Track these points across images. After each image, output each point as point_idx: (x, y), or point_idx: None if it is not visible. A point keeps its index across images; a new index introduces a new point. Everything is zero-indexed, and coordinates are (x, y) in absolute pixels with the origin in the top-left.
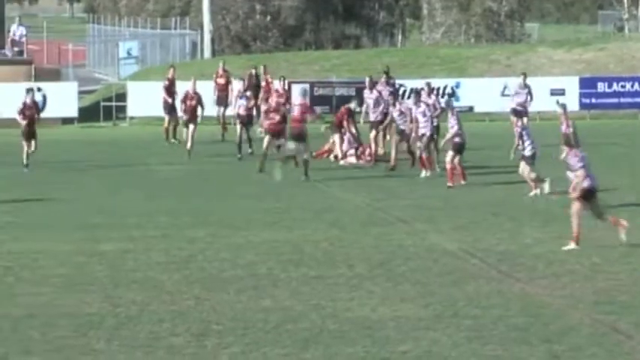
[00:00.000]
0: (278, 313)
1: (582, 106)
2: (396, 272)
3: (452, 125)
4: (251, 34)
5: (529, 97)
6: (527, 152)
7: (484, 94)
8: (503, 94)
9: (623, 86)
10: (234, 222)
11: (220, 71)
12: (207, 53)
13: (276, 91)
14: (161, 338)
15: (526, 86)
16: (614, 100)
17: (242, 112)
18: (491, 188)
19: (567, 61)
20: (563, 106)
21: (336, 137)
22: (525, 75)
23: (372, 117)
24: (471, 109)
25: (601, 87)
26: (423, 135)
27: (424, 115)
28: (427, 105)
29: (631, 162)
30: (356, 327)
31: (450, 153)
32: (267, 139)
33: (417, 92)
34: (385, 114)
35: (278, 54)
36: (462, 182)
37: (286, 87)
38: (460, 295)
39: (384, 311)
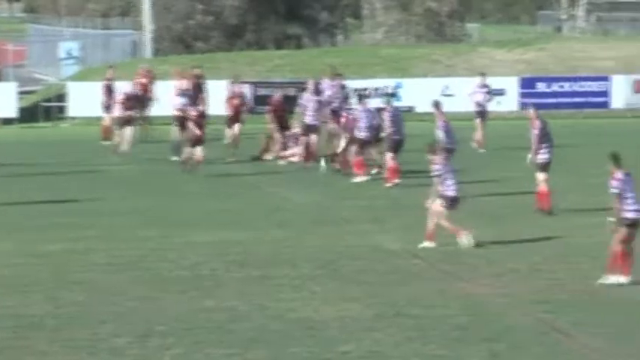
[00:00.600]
0: (221, 313)
1: (522, 106)
2: (340, 272)
3: (387, 125)
4: (193, 34)
5: (487, 97)
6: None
7: (425, 94)
8: (444, 94)
9: (561, 86)
10: (180, 222)
11: (142, 71)
12: (148, 53)
13: (233, 94)
14: (103, 340)
15: (485, 86)
16: (553, 100)
17: (181, 111)
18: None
19: (508, 62)
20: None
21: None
22: (484, 75)
23: (309, 120)
24: (411, 109)
25: (540, 87)
26: (361, 139)
27: (367, 119)
28: (370, 110)
29: (573, 162)
30: (299, 327)
31: (388, 153)
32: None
33: (362, 95)
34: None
35: (220, 54)
36: (396, 181)
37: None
38: (403, 295)
39: (327, 311)
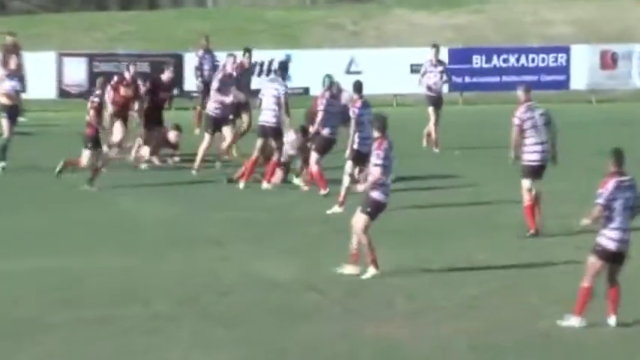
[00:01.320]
0: None
1: (452, 86)
2: (209, 311)
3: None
4: None
5: (443, 78)
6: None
7: (323, 70)
8: (348, 72)
9: (505, 60)
10: None
11: None
12: None
13: (123, 80)
14: None
15: (440, 63)
16: (495, 79)
17: (10, 99)
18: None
19: (432, 28)
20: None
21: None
22: (437, 48)
23: (214, 113)
24: (306, 90)
25: (477, 61)
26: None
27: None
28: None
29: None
30: None
31: (315, 154)
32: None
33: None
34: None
35: (45, 16)
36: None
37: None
38: (295, 341)
39: None
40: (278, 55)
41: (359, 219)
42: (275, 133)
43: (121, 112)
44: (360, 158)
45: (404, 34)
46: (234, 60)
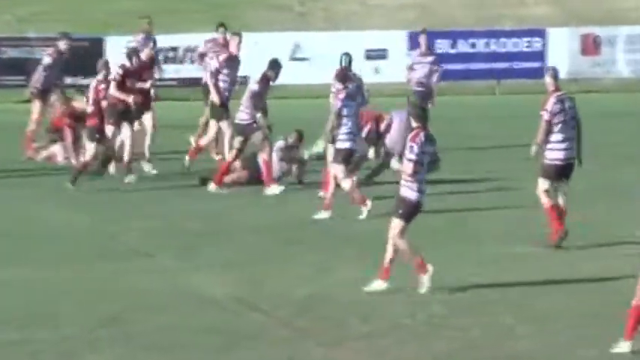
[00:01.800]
0: None
1: None
2: (130, 333)
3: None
4: None
5: (434, 70)
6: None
7: (264, 56)
8: (293, 58)
9: (473, 45)
10: None
11: None
12: None
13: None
14: None
15: (430, 52)
16: (461, 67)
17: None
18: (285, 202)
19: (390, 8)
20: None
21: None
22: (425, 34)
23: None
24: (244, 79)
25: (441, 46)
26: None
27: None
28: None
29: (497, 163)
30: None
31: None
32: None
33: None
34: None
35: None
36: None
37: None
38: None
39: None
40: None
41: (392, 225)
42: (248, 130)
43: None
44: (347, 157)
45: (356, 16)
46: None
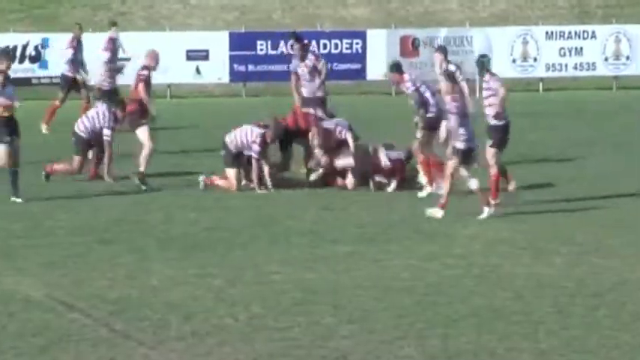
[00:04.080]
0: None
1: (235, 76)
2: None
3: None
4: None
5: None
6: None
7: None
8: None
9: (292, 46)
10: None
11: None
12: None
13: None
14: None
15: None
16: (282, 68)
17: None
18: (123, 200)
19: (211, 8)
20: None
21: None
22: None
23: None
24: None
25: (262, 47)
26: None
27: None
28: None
29: None
30: None
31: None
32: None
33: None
34: None
35: None
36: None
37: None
38: None
39: None
40: (34, 39)
41: (447, 165)
42: None
43: None
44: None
45: (178, 16)
46: None
